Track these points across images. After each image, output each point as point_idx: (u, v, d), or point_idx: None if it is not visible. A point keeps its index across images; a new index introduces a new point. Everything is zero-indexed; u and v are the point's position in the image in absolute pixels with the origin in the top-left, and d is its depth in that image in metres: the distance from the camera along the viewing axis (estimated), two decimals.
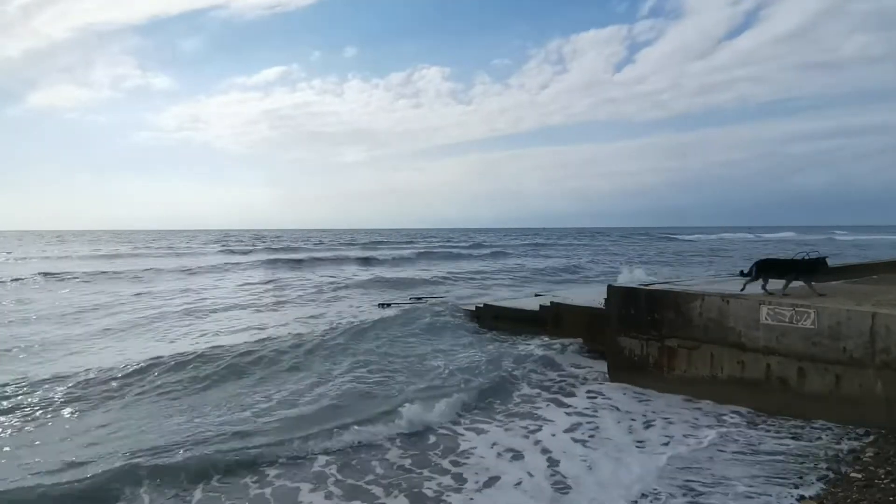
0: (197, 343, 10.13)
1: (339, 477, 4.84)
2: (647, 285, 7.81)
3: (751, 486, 4.42)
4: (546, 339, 10.05)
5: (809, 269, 6.60)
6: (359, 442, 5.47)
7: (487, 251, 44.55)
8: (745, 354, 6.40)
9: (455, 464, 5.07)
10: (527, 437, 5.74)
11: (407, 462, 5.16)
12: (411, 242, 61.95)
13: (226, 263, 30.57)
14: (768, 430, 5.64)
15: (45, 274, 22.47)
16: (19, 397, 6.94)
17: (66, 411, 6.55)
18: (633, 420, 6.12)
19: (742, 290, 6.72)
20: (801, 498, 4.18)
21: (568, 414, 6.44)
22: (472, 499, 4.40)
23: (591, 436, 5.72)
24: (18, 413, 6.45)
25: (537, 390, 7.32)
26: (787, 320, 6.07)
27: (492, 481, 4.68)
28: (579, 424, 6.06)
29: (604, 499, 4.37)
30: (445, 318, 12.32)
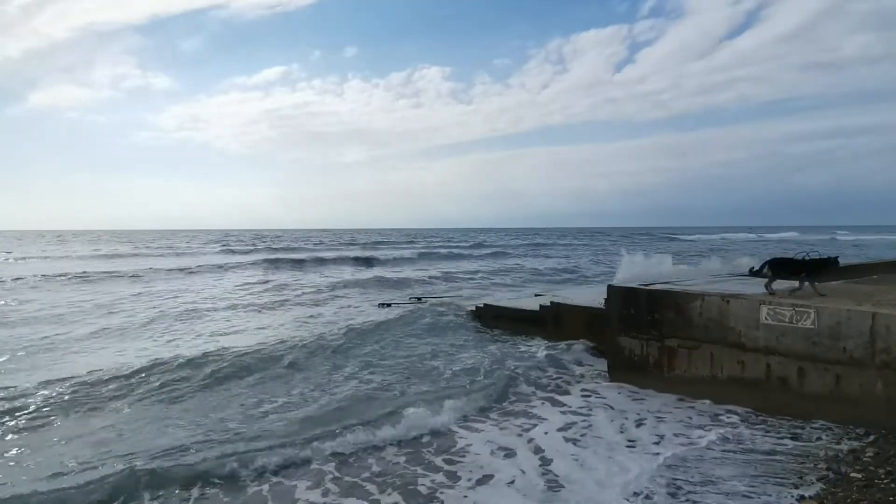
0: (198, 345, 10.10)
1: (337, 474, 4.89)
2: (647, 285, 7.81)
3: (751, 486, 4.41)
4: (546, 339, 10.05)
5: (822, 268, 6.59)
6: (361, 444, 5.45)
7: (487, 251, 44.55)
8: (746, 354, 6.40)
9: (449, 462, 5.13)
10: (520, 435, 5.78)
11: (402, 459, 5.21)
12: (411, 242, 61.94)
13: (226, 263, 30.54)
14: (768, 430, 5.63)
15: (45, 274, 22.47)
16: (16, 400, 6.80)
17: (66, 415, 6.45)
18: (626, 419, 6.14)
19: (767, 290, 6.68)
20: (801, 498, 4.18)
21: (563, 413, 6.47)
22: (465, 496, 4.44)
23: (583, 434, 5.76)
24: (16, 416, 6.33)
25: (533, 389, 7.32)
26: (787, 320, 6.07)
27: (485, 479, 4.74)
28: (574, 423, 6.09)
29: (595, 497, 4.40)
30: (446, 318, 12.32)
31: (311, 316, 13.58)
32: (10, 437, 5.83)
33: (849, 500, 3.99)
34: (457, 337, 10.63)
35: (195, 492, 4.53)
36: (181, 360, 8.43)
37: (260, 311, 14.29)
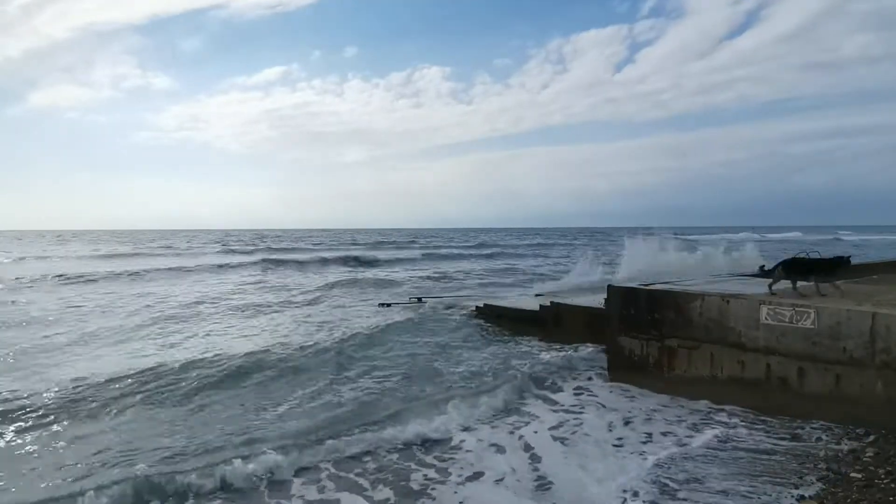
0: (198, 347, 10.01)
1: (333, 471, 4.97)
2: (647, 285, 7.82)
3: (751, 486, 4.42)
4: (546, 339, 10.07)
5: (837, 268, 6.56)
6: (364, 447, 5.43)
7: (488, 251, 44.56)
8: (746, 354, 6.40)
9: (440, 459, 5.22)
10: (512, 433, 5.84)
11: (395, 456, 5.29)
12: (411, 242, 61.97)
13: (226, 264, 30.51)
14: (768, 430, 5.63)
15: (43, 275, 22.49)
16: (12, 405, 6.65)
17: (61, 420, 6.24)
18: (625, 419, 6.15)
19: (770, 291, 6.68)
20: (801, 498, 4.17)
21: (555, 411, 6.52)
22: (455, 492, 4.53)
23: (574, 432, 5.82)
24: (11, 421, 6.19)
25: (530, 388, 7.31)
26: (787, 320, 6.07)
27: (475, 476, 4.83)
28: (566, 422, 6.14)
29: (584, 495, 4.43)
30: (446, 318, 12.33)
31: (312, 317, 13.56)
32: (7, 442, 5.68)
33: (849, 500, 3.99)
34: (457, 337, 10.63)
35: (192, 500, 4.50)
36: (181, 363, 8.35)
37: (261, 313, 14.27)
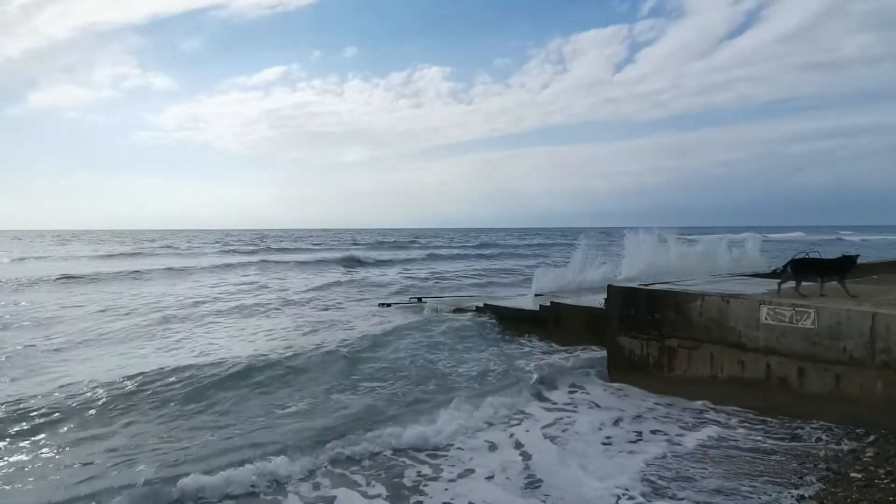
0: (201, 350, 9.92)
1: (331, 469, 5.03)
2: (647, 285, 7.82)
3: (750, 486, 4.42)
4: (547, 339, 10.07)
5: (846, 267, 6.55)
6: (364, 448, 5.43)
7: (488, 251, 44.58)
8: (745, 354, 6.40)
9: (433, 456, 5.30)
10: (505, 430, 5.90)
11: (388, 452, 5.36)
12: (412, 242, 62.00)
13: (227, 264, 30.55)
14: (768, 430, 5.63)
15: (44, 275, 22.49)
16: (12, 408, 6.56)
17: (64, 426, 6.11)
18: (625, 419, 6.17)
19: (777, 290, 6.68)
20: (801, 498, 4.18)
21: (549, 410, 6.56)
22: (446, 489, 4.62)
23: (565, 430, 5.90)
24: (14, 425, 6.09)
25: (528, 388, 7.28)
26: (787, 320, 6.07)
27: (466, 473, 4.92)
28: (559, 420, 6.20)
29: (573, 492, 4.48)
30: (446, 318, 12.32)
31: (312, 317, 13.56)
32: (6, 446, 5.60)
33: (849, 500, 4.00)
34: (458, 337, 10.62)
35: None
36: (181, 366, 8.29)
37: (261, 313, 14.25)
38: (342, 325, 12.18)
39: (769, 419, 5.90)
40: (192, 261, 33.98)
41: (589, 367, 8.13)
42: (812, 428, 5.58)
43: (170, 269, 26.51)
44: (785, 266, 6.90)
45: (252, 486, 4.69)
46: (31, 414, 6.42)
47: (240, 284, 21.37)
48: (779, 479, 4.50)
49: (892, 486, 4.10)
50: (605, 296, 8.17)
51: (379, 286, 20.52)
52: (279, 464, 4.98)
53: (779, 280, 6.92)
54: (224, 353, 9.50)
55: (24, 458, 5.35)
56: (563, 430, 5.90)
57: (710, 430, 5.65)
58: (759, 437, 5.45)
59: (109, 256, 37.74)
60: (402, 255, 39.32)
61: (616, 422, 6.09)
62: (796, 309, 6.01)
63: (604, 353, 8.08)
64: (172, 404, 6.87)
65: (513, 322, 11.27)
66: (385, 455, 5.32)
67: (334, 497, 4.56)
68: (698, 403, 6.45)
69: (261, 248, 49.52)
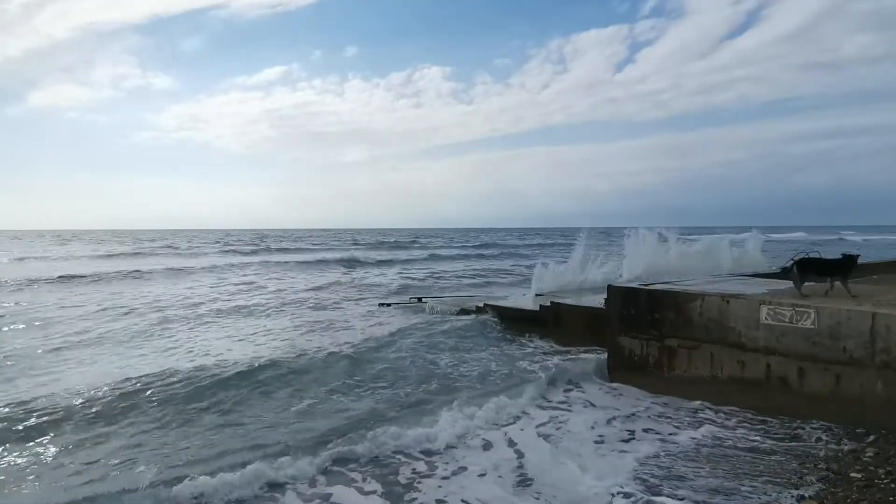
0: (200, 351, 9.88)
1: (329, 468, 5.09)
2: (647, 285, 7.82)
3: (750, 486, 4.42)
4: (546, 338, 10.07)
5: (848, 267, 6.54)
6: (364, 449, 5.43)
7: (488, 251, 44.56)
8: (746, 354, 6.40)
9: (428, 453, 5.37)
10: (499, 429, 5.94)
11: (388, 453, 5.40)
12: (412, 242, 61.99)
13: (227, 264, 30.57)
14: (768, 430, 5.64)
15: (44, 275, 22.49)
16: (11, 411, 6.45)
17: (66, 431, 5.99)
18: (612, 417, 6.20)
19: (799, 291, 6.64)
20: (801, 498, 4.18)
21: (543, 408, 6.60)
22: (439, 486, 4.70)
23: (558, 427, 5.95)
24: (13, 429, 5.99)
25: (527, 389, 7.28)
26: (787, 320, 6.07)
27: (460, 470, 5.00)
28: (554, 418, 6.24)
29: (566, 490, 4.51)
30: (446, 317, 12.33)
31: (312, 318, 13.53)
32: (7, 450, 5.50)
33: (849, 500, 4.00)
34: (458, 337, 10.61)
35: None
36: (181, 368, 8.27)
37: (262, 314, 14.23)
38: (342, 325, 12.19)
39: (769, 419, 5.90)
40: (193, 261, 33.99)
41: (588, 367, 8.13)
42: (812, 428, 5.58)
43: (170, 269, 26.51)
44: (791, 266, 6.88)
45: (252, 486, 4.68)
46: (30, 415, 6.36)
47: (240, 284, 21.36)
48: (779, 479, 4.50)
49: (892, 486, 4.11)
50: (605, 296, 8.17)
51: (379, 286, 20.52)
52: (280, 464, 4.98)
53: (794, 281, 6.82)
54: (224, 353, 9.50)
55: (21, 460, 5.31)
56: (557, 429, 5.94)
57: (710, 430, 5.66)
58: (758, 437, 5.45)
59: (109, 256, 37.70)
60: (403, 255, 39.33)
61: (610, 420, 6.12)
62: (796, 309, 6.01)
63: (604, 353, 8.09)
64: (173, 405, 6.83)
65: (513, 322, 11.27)
66: (385, 456, 5.34)
67: (330, 494, 4.60)
68: (697, 403, 6.45)
69: (261, 248, 49.49)
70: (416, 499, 4.52)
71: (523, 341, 10.12)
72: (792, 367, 6.05)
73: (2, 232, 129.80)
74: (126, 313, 13.91)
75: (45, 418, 6.30)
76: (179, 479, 4.70)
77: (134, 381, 7.56)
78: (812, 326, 5.89)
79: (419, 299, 14.99)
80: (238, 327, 12.28)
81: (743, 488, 4.40)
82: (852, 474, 4.42)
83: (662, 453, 5.15)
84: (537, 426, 6.03)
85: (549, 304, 10.68)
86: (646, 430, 5.78)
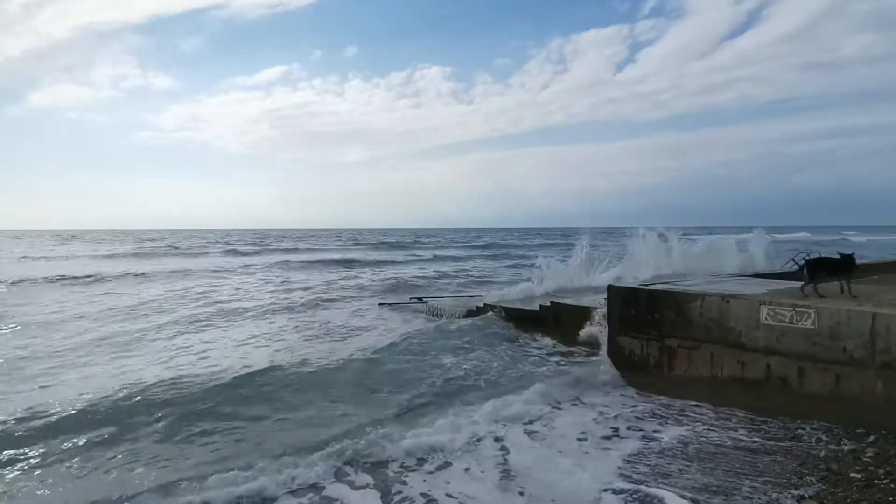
0: (200, 355, 9.81)
1: (329, 468, 5.10)
2: (647, 285, 7.82)
3: (750, 486, 4.42)
4: (546, 338, 10.06)
5: (850, 267, 6.58)
6: (369, 454, 5.41)
7: (488, 251, 44.61)
8: (746, 354, 6.41)
9: (422, 449, 5.43)
10: (490, 426, 5.99)
11: (388, 453, 5.40)
12: (413, 242, 62.00)
13: (228, 265, 30.59)
14: (768, 430, 5.63)
15: (44, 276, 22.50)
16: (12, 415, 6.36)
17: (66, 434, 5.90)
18: (608, 416, 6.21)
19: (816, 292, 6.62)
20: (801, 498, 4.17)
21: (542, 408, 6.56)
22: (424, 480, 4.79)
23: (545, 424, 6.00)
24: (13, 434, 5.91)
25: (530, 388, 7.28)
26: (787, 320, 6.07)
27: (445, 465, 5.08)
28: (543, 415, 6.27)
29: (548, 485, 4.55)
30: (446, 317, 12.34)
31: (313, 319, 13.51)
32: (2, 459, 5.36)
33: (849, 501, 4.00)
34: (458, 337, 10.60)
35: None
36: (182, 372, 8.23)
37: (262, 315, 14.19)
38: (342, 326, 12.19)
39: (769, 419, 5.89)
40: (193, 261, 34.00)
41: (588, 367, 8.12)
42: (812, 428, 5.58)
43: (170, 269, 26.53)
44: (801, 266, 6.86)
45: (252, 488, 4.67)
46: (29, 421, 6.28)
47: (240, 285, 21.36)
48: (779, 480, 4.50)
49: (892, 486, 4.10)
50: (605, 296, 8.17)
51: (379, 286, 20.52)
52: (281, 464, 4.98)
53: (808, 283, 6.74)
54: (225, 355, 9.47)
55: (19, 467, 5.22)
56: (544, 425, 5.98)
57: (709, 430, 5.65)
58: (758, 437, 5.44)
59: (109, 256, 37.72)
60: (403, 255, 39.37)
61: (607, 420, 6.11)
62: (796, 309, 6.01)
63: (603, 353, 8.09)
64: (172, 408, 6.77)
65: (513, 322, 11.27)
66: (385, 456, 5.32)
67: (328, 497, 4.59)
68: (697, 403, 6.44)
69: (261, 248, 49.51)
70: (401, 492, 4.63)
71: (523, 341, 10.11)
72: (792, 368, 6.05)
73: (2, 232, 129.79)
74: (126, 314, 13.91)
75: (43, 424, 6.21)
76: (180, 481, 4.70)
77: (134, 385, 7.52)
78: (812, 326, 5.90)
79: (419, 299, 14.99)
80: (238, 329, 12.26)
81: (743, 488, 4.40)
82: (852, 474, 4.42)
83: (660, 453, 5.15)
84: (524, 423, 6.04)
85: (549, 304, 10.68)
86: (644, 430, 5.77)
